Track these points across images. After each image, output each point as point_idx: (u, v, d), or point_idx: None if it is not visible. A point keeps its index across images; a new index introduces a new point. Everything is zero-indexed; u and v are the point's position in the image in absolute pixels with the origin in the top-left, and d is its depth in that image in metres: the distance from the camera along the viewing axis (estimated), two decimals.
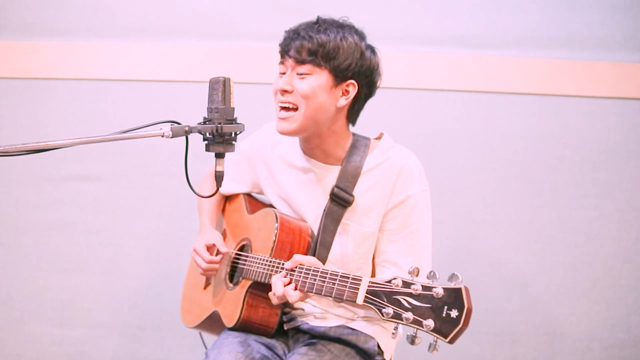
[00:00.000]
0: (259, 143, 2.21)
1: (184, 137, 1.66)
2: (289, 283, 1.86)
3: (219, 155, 1.70)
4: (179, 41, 2.88)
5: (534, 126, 2.87)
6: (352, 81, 1.97)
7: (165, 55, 2.89)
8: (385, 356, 2.08)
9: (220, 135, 1.67)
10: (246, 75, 2.82)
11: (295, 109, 1.96)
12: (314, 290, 1.81)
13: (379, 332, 2.07)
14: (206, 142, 1.69)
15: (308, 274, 1.83)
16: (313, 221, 2.06)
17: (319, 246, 2.01)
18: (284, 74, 1.99)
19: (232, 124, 1.68)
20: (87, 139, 1.60)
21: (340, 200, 2.01)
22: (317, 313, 2.08)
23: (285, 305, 2.08)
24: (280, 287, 1.86)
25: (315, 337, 2.07)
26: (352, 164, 2.02)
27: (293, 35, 1.97)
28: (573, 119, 2.87)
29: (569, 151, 2.88)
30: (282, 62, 2.00)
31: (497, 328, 2.92)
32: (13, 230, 2.98)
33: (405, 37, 2.83)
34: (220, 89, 1.68)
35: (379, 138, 2.10)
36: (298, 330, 2.11)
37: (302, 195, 2.08)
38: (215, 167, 1.71)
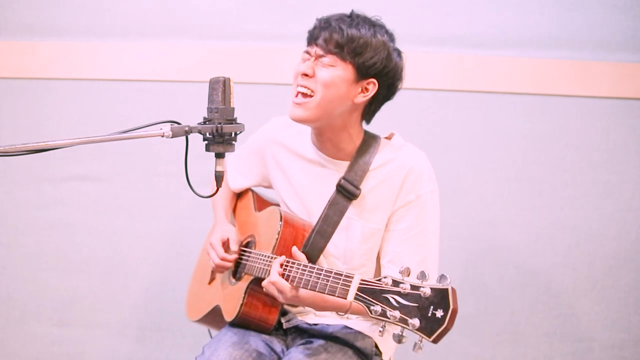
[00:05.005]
0: (267, 135, 2.21)
1: (184, 137, 1.66)
2: (283, 274, 1.87)
3: (219, 156, 1.70)
4: (179, 41, 2.88)
5: (534, 126, 2.87)
6: (373, 80, 1.96)
7: (165, 55, 2.88)
8: (384, 357, 2.08)
9: (220, 135, 1.66)
10: (246, 75, 2.81)
11: (312, 96, 1.95)
12: (309, 286, 1.81)
13: (377, 331, 2.06)
14: (206, 142, 1.68)
15: (305, 270, 1.84)
16: (318, 212, 2.05)
17: (315, 234, 2.00)
18: (307, 60, 1.99)
19: (232, 124, 1.67)
20: (87, 139, 1.60)
21: (346, 192, 2.00)
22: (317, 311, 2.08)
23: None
24: (275, 274, 1.87)
25: (314, 335, 2.07)
26: (362, 159, 2.02)
27: (324, 25, 1.96)
28: (573, 119, 2.87)
29: (569, 151, 2.88)
30: (307, 49, 2.00)
31: (497, 328, 2.92)
32: (13, 230, 2.97)
33: (405, 37, 2.82)
34: (220, 89, 1.68)
35: (389, 137, 2.10)
36: (297, 329, 2.11)
37: (309, 187, 2.09)
38: (215, 167, 1.71)
